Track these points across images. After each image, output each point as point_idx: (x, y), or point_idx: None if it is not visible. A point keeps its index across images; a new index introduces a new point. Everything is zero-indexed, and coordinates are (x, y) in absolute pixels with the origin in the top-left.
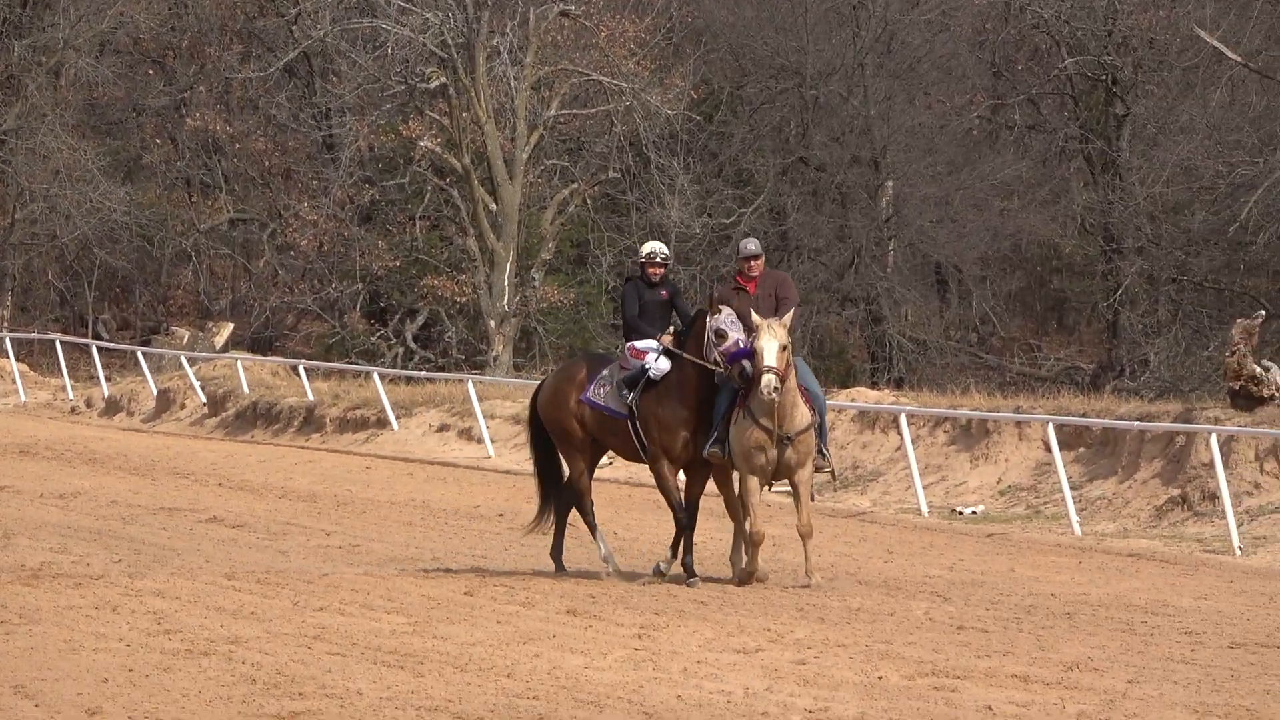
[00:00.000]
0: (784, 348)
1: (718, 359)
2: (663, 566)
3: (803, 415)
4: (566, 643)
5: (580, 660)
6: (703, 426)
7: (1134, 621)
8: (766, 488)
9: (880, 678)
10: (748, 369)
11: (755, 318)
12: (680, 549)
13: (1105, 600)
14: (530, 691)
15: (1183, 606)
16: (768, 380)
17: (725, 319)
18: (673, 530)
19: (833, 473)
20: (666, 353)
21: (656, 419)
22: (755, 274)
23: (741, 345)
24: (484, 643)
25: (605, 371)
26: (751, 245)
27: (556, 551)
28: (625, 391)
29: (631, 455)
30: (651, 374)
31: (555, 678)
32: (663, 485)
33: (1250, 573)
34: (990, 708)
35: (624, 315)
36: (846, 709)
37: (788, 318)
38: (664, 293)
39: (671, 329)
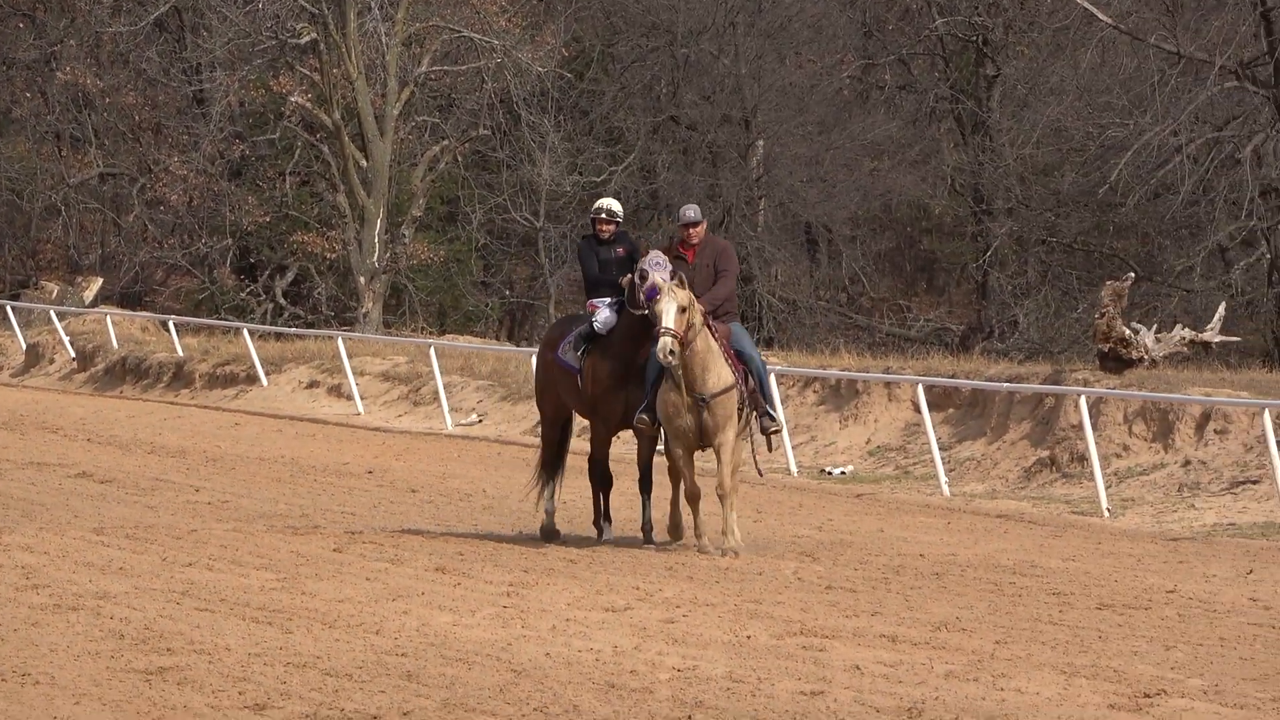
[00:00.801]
0: (683, 309)
1: (644, 302)
2: (654, 538)
3: (719, 378)
4: (435, 600)
5: (449, 618)
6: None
7: (1002, 582)
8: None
9: (749, 637)
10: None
11: (654, 277)
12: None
13: (973, 561)
14: (399, 648)
15: (1051, 567)
16: (663, 343)
17: (651, 260)
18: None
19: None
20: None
21: (594, 376)
22: (695, 241)
23: (656, 287)
24: (353, 599)
25: (576, 329)
26: (690, 212)
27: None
28: (578, 347)
29: (586, 415)
30: (596, 327)
31: (424, 635)
32: (594, 450)
33: (1118, 534)
34: (858, 667)
35: (585, 276)
36: (715, 668)
37: (724, 286)
38: (620, 249)
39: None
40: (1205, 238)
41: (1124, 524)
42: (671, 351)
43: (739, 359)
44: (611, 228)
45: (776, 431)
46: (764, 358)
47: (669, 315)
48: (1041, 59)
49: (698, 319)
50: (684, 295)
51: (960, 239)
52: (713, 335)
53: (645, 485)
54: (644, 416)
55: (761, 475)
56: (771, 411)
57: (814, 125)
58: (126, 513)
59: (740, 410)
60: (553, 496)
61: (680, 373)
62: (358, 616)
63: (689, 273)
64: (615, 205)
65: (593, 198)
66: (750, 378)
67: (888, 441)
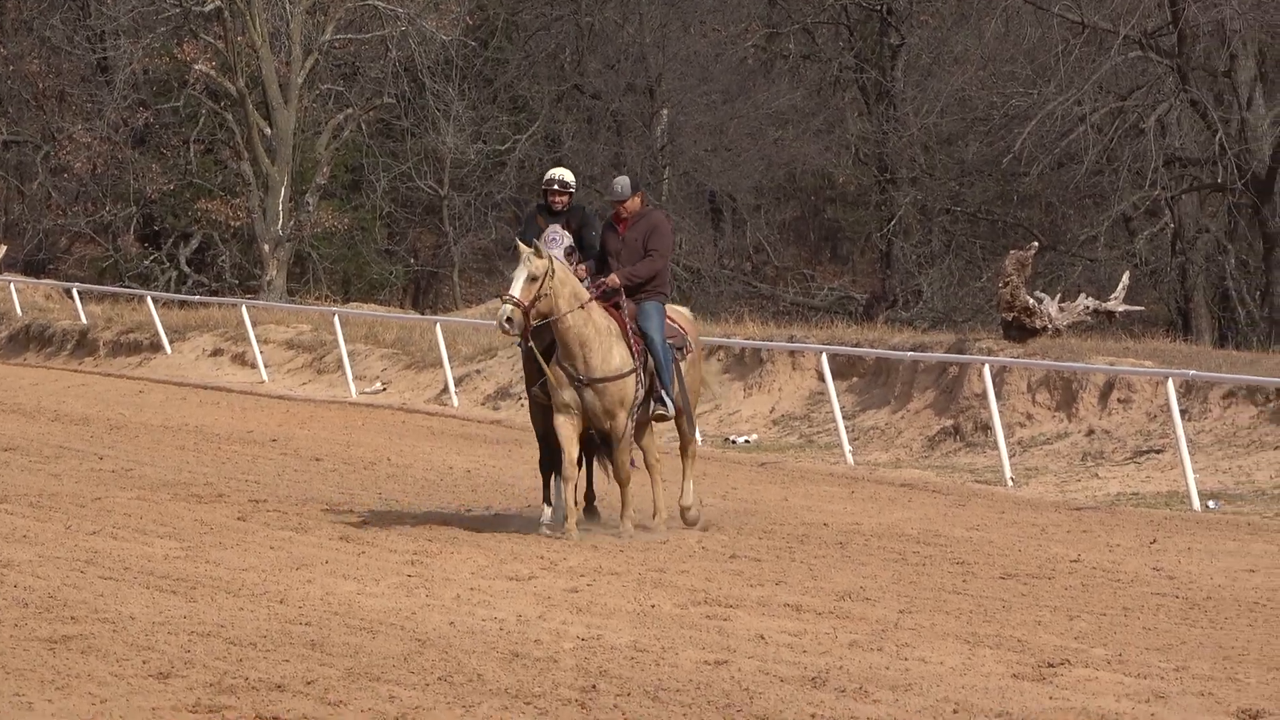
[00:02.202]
0: (534, 279)
1: None
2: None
3: (605, 361)
4: (339, 569)
5: (353, 586)
6: None
7: (906, 551)
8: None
9: (653, 606)
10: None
11: (521, 246)
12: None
13: (878, 530)
14: (303, 617)
15: (955, 537)
16: (502, 310)
17: (548, 234)
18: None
19: (667, 419)
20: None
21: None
22: (625, 215)
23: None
24: (257, 568)
25: None
26: (618, 187)
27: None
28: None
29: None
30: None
31: (328, 603)
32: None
33: (1021, 503)
34: (763, 637)
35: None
36: (619, 637)
37: (647, 264)
38: (570, 223)
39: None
40: (1109, 207)
41: (1028, 493)
42: (509, 319)
43: (637, 337)
44: (564, 199)
45: (666, 419)
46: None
47: (516, 283)
48: (945, 28)
49: (563, 292)
50: (540, 265)
51: (864, 208)
52: (611, 314)
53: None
54: (536, 391)
55: (634, 465)
56: (666, 397)
57: (718, 94)
58: (30, 481)
59: (639, 396)
60: (559, 495)
61: (572, 349)
62: (262, 585)
63: (619, 246)
64: (568, 175)
65: (497, 166)
66: (650, 359)
67: (792, 410)
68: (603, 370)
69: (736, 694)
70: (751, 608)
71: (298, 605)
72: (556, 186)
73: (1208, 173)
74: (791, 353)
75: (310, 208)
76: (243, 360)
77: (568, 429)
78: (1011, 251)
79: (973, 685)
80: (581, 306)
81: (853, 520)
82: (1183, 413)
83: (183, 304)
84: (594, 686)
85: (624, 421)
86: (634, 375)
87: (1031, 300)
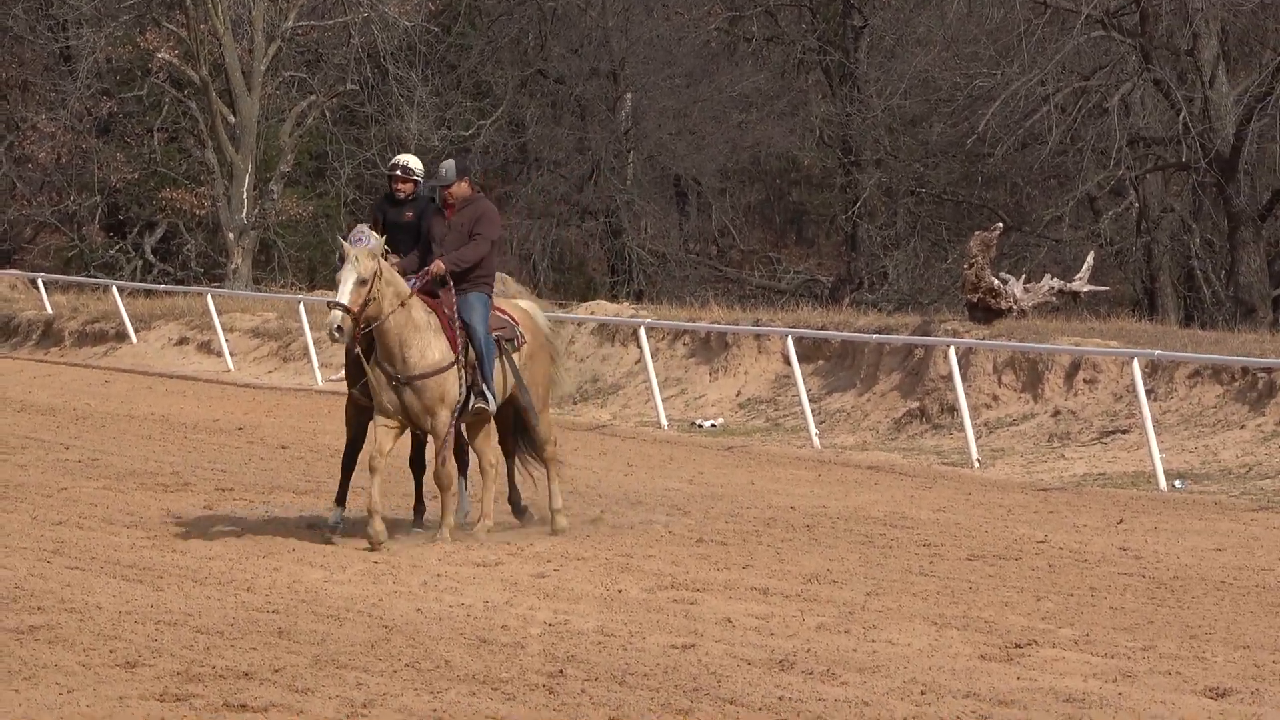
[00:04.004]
0: (363, 282)
1: None
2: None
3: (423, 357)
4: (306, 556)
5: (320, 574)
6: None
7: (873, 534)
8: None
9: (620, 591)
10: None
11: (344, 245)
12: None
13: (844, 513)
14: (270, 605)
15: (921, 519)
16: (331, 317)
17: (354, 235)
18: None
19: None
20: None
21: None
22: (452, 202)
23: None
24: (223, 556)
25: None
26: (442, 170)
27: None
28: None
29: None
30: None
31: (295, 591)
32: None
33: (988, 485)
34: (730, 620)
35: None
36: (586, 622)
37: (473, 249)
38: (409, 213)
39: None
40: (1073, 187)
41: (994, 475)
42: (339, 328)
43: (460, 329)
44: (409, 186)
45: (487, 414)
46: (634, 311)
47: (344, 287)
48: (908, 9)
49: (388, 293)
50: (368, 266)
51: (829, 190)
52: (431, 307)
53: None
54: (357, 392)
55: (444, 464)
56: (487, 392)
57: (682, 78)
58: None
59: (460, 390)
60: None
61: (388, 349)
62: (228, 573)
63: (443, 231)
64: (414, 162)
65: (462, 152)
66: (470, 352)
67: (758, 394)
68: (421, 367)
69: (704, 677)
70: (718, 591)
71: (265, 593)
72: (399, 173)
73: (1172, 152)
74: (757, 336)
75: (275, 195)
76: (208, 349)
77: (385, 435)
78: (976, 233)
79: (940, 666)
80: (402, 304)
81: (819, 503)
82: (1148, 393)
83: (148, 293)
84: (561, 671)
85: (446, 420)
86: (454, 369)
87: (996, 281)
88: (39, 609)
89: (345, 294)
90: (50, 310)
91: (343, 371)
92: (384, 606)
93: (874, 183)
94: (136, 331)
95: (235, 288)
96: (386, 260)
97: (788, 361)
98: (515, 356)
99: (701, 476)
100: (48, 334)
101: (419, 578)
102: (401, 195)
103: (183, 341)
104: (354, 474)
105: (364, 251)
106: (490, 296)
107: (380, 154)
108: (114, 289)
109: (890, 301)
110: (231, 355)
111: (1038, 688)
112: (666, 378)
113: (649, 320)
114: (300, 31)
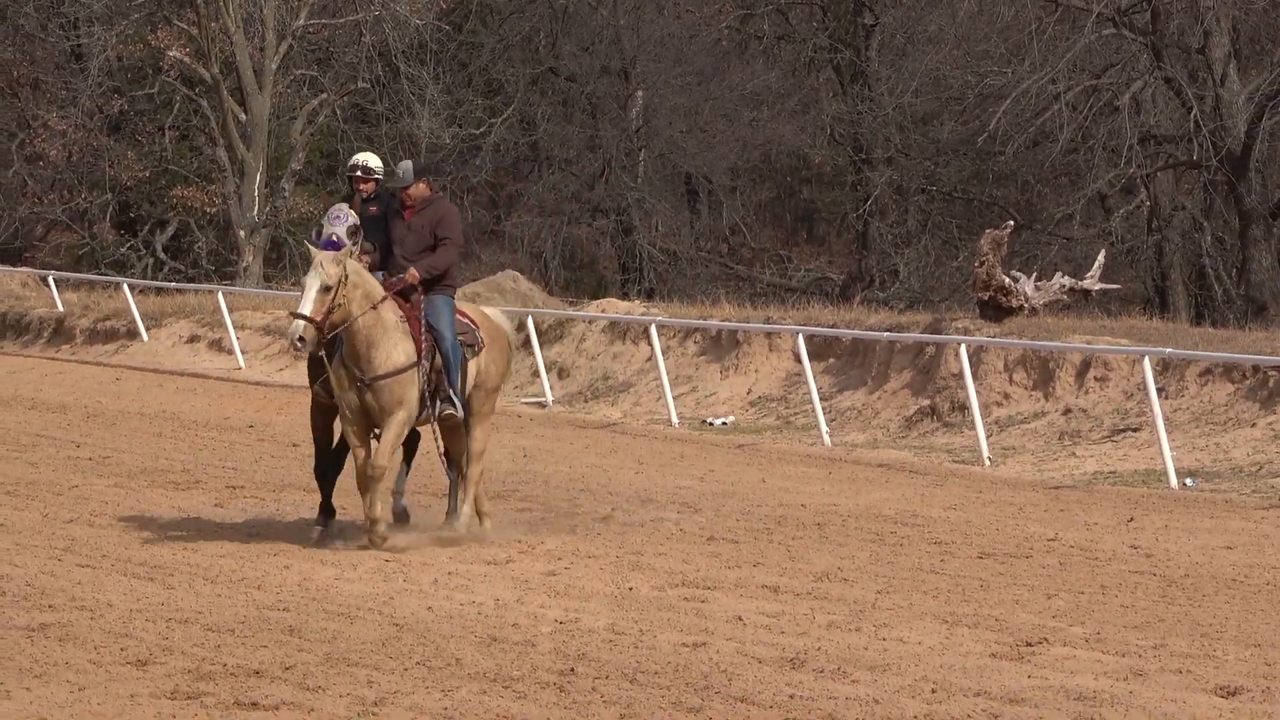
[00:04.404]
0: (328, 289)
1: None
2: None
3: (388, 358)
4: (317, 554)
5: (331, 572)
6: None
7: (883, 532)
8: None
9: (631, 589)
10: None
11: (313, 251)
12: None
13: (855, 511)
14: (281, 603)
15: (932, 517)
16: (294, 327)
17: (331, 214)
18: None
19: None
20: None
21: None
22: (410, 203)
23: (334, 239)
24: (234, 554)
25: None
26: (400, 171)
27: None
28: None
29: None
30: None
31: (306, 589)
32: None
33: (999, 483)
34: (741, 618)
35: None
36: (597, 620)
37: (444, 255)
38: (373, 208)
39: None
40: (1084, 185)
41: (1005, 472)
42: (301, 339)
43: (428, 332)
44: (370, 185)
45: (455, 420)
46: (645, 309)
47: (308, 296)
48: (919, 7)
49: (356, 295)
50: (333, 273)
51: (840, 188)
52: (403, 309)
53: (452, 474)
54: (318, 389)
55: (410, 468)
56: (454, 396)
57: (693, 76)
58: (7, 469)
59: (421, 393)
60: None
61: (354, 350)
62: (239, 571)
63: (402, 233)
64: (374, 161)
65: (472, 150)
66: (437, 356)
67: (769, 392)
68: (385, 367)
69: (715, 675)
70: (729, 589)
71: (276, 591)
72: (359, 173)
73: (1183, 150)
74: (768, 334)
75: (286, 193)
76: (219, 347)
77: (357, 434)
78: (987, 231)
79: (951, 665)
80: (374, 307)
81: (830, 501)
82: (1159, 391)
83: (159, 291)
84: (572, 669)
85: (400, 424)
86: (414, 371)
87: (1007, 279)
88: (50, 607)
89: (308, 304)
90: (61, 308)
91: None
92: (395, 604)
93: (885, 181)
94: (147, 329)
95: (246, 286)
96: (360, 251)
97: (799, 359)
98: (473, 363)
99: (712, 474)
100: (59, 332)
101: (430, 576)
102: (363, 195)
103: (194, 339)
104: (334, 481)
105: (329, 258)
106: (454, 299)
107: (391, 152)
108: (125, 287)
109: (901, 299)
110: (242, 353)
111: (1049, 686)
112: (677, 375)
113: (660, 318)
114: (311, 29)
